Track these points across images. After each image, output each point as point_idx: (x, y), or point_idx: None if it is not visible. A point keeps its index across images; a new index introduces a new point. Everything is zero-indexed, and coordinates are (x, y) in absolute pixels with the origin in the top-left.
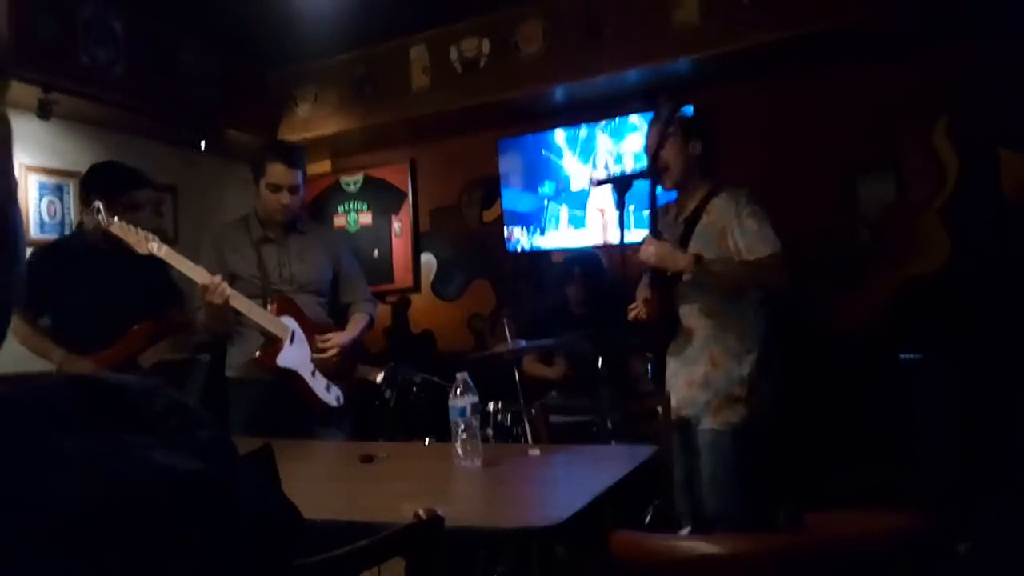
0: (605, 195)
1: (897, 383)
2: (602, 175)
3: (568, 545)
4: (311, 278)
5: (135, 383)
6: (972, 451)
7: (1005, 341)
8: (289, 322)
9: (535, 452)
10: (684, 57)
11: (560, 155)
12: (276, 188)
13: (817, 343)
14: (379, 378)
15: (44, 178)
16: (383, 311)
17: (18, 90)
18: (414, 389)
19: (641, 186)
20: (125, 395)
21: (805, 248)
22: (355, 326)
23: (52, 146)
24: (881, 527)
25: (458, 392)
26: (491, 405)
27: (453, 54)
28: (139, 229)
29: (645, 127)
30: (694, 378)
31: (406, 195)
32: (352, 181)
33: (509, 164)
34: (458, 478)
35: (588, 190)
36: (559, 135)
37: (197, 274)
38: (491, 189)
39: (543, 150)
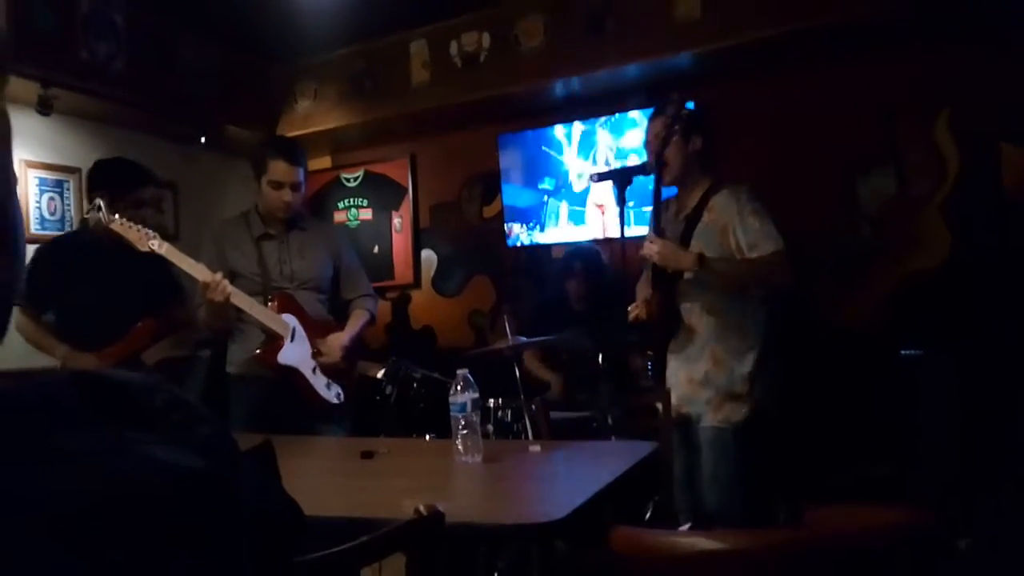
0: (605, 191)
1: (898, 379)
2: (602, 170)
3: (568, 541)
4: (312, 275)
5: (136, 379)
6: (973, 446)
7: (1006, 336)
8: (290, 319)
9: (535, 448)
10: (685, 52)
11: (560, 151)
12: (278, 185)
13: (818, 339)
14: (380, 374)
15: (44, 174)
16: (383, 307)
17: (17, 85)
18: (415, 385)
19: (641, 182)
20: (126, 391)
21: (806, 244)
22: (355, 323)
23: (52, 142)
24: (882, 523)
25: (458, 388)
26: (491, 401)
27: (453, 49)
28: (140, 227)
29: (645, 122)
30: (695, 376)
31: (406, 191)
32: (352, 177)
33: (509, 160)
34: (458, 474)
35: (587, 189)
36: (559, 131)
37: (198, 271)
38: (491, 185)
39: (543, 146)
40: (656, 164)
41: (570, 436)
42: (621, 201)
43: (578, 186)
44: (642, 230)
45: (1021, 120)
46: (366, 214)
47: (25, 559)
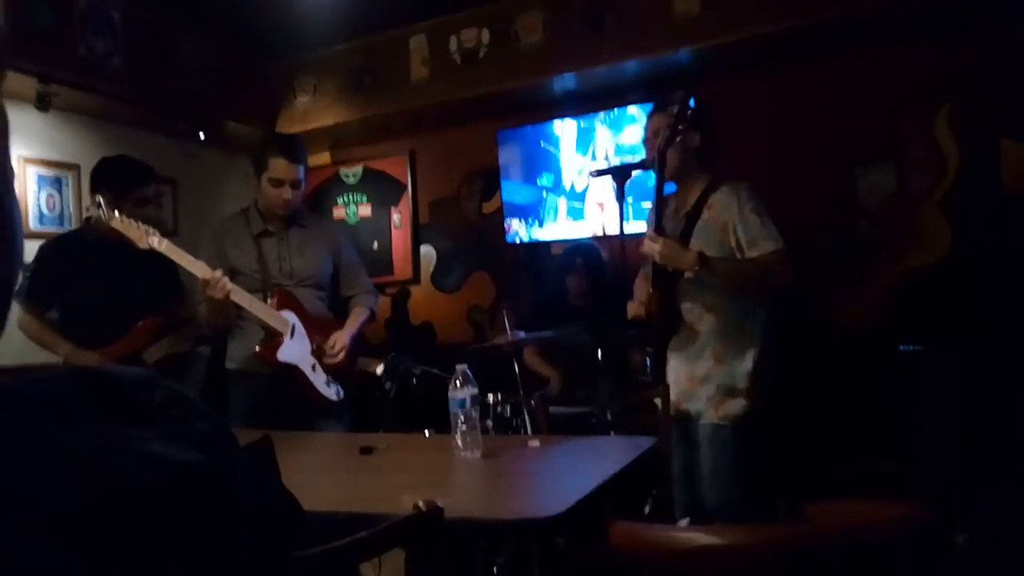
0: (604, 186)
1: (898, 375)
2: (601, 166)
3: (568, 536)
4: (311, 272)
5: (135, 375)
6: (972, 442)
7: (1006, 332)
8: (289, 316)
9: (535, 443)
10: (684, 48)
11: (558, 147)
12: (278, 183)
13: (817, 335)
14: (379, 370)
15: (43, 170)
16: (383, 303)
17: (16, 81)
18: (414, 381)
19: (639, 177)
20: (125, 387)
21: (805, 240)
22: (356, 320)
23: (51, 138)
24: (881, 518)
25: (458, 384)
26: (491, 397)
27: (452, 44)
28: (140, 223)
29: (644, 118)
30: (696, 373)
31: (405, 187)
32: (351, 173)
33: (509, 156)
34: (458, 469)
35: (586, 188)
36: (558, 126)
37: (198, 269)
38: (491, 181)
39: (542, 142)
40: (658, 162)
41: (569, 432)
42: (620, 197)
43: (577, 182)
44: (641, 226)
45: (1021, 116)
46: (365, 210)
47: (24, 556)
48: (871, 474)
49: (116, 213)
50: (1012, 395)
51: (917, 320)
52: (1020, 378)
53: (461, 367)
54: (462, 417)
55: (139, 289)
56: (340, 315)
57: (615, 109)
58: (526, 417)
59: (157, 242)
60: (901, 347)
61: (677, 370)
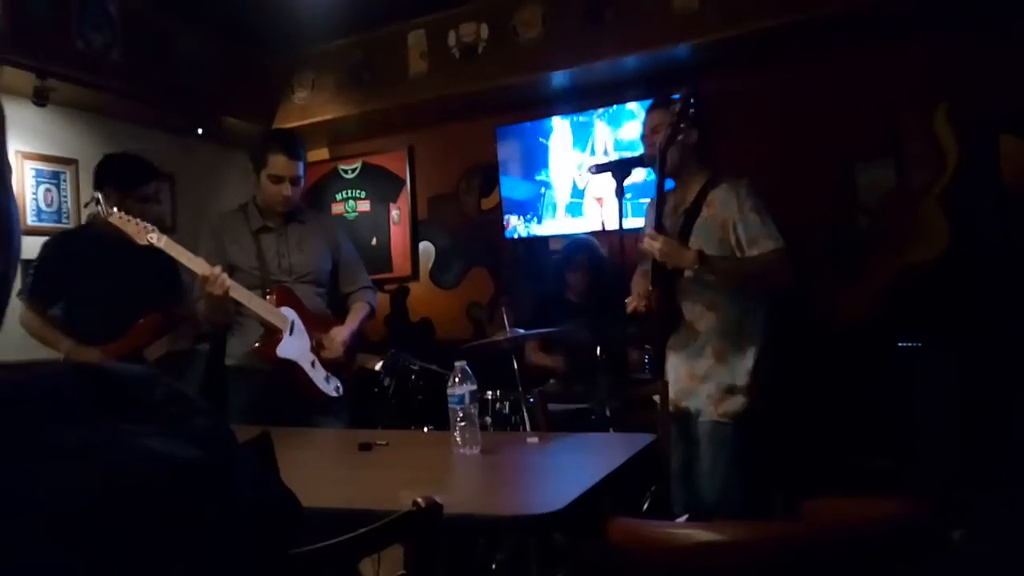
0: (603, 182)
1: (896, 371)
2: (601, 162)
3: (566, 532)
4: (310, 268)
5: (134, 372)
6: (970, 439)
7: (1004, 328)
8: (289, 313)
9: (533, 440)
10: (684, 43)
11: (557, 142)
12: (278, 180)
13: (816, 331)
14: (378, 366)
15: (40, 165)
16: (382, 300)
17: (13, 76)
18: (413, 377)
19: (640, 174)
20: (124, 384)
21: (804, 235)
22: (355, 317)
23: (48, 133)
24: (878, 514)
25: (457, 380)
26: (490, 393)
27: (451, 39)
28: (138, 220)
29: (642, 114)
30: (696, 371)
31: (404, 182)
32: (350, 168)
33: (507, 151)
34: (457, 466)
35: (585, 184)
36: (557, 122)
37: (197, 265)
38: (489, 176)
39: (540, 138)
40: (660, 161)
41: (568, 428)
42: (620, 193)
43: (576, 178)
44: (639, 222)
45: (1020, 112)
46: (364, 206)
47: (23, 555)
48: (869, 471)
49: (115, 210)
50: (1010, 392)
51: (916, 316)
52: (1018, 374)
53: (460, 364)
54: (461, 413)
55: (141, 286)
56: (339, 312)
57: (614, 105)
58: (525, 414)
59: (156, 238)
60: (900, 343)
61: (677, 367)
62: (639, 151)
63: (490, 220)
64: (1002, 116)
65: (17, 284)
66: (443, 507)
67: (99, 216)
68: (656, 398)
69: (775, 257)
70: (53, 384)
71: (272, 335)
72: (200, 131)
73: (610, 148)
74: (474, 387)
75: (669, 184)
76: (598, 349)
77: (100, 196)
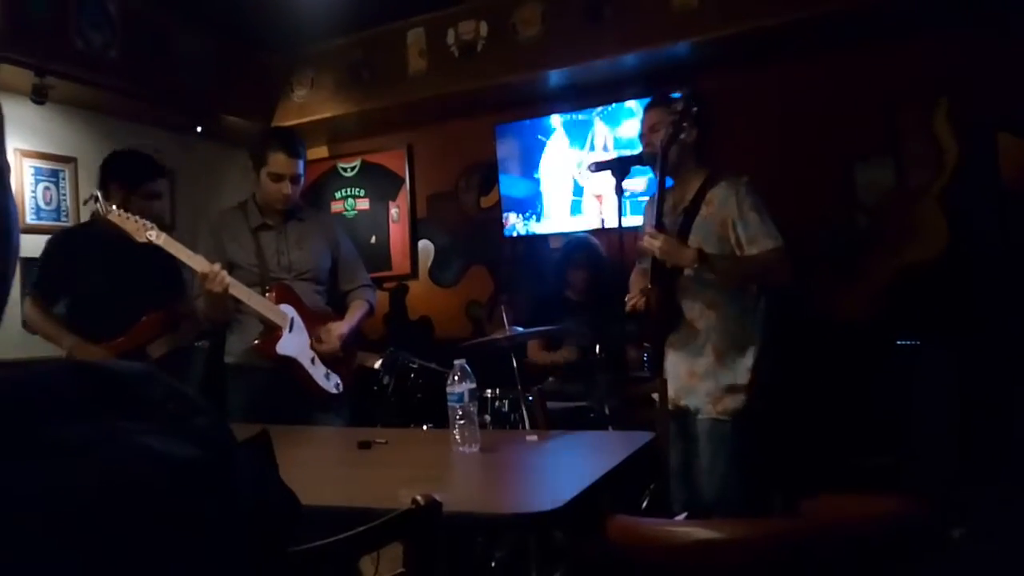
0: (602, 181)
1: (895, 370)
2: (600, 160)
3: (566, 530)
4: (309, 266)
5: (133, 370)
6: (970, 437)
7: (1004, 327)
8: (288, 310)
9: (533, 438)
10: (683, 41)
11: (557, 140)
12: (278, 178)
13: (815, 330)
14: (377, 364)
15: (39, 163)
16: (381, 297)
17: (12, 74)
18: (412, 375)
19: (637, 171)
20: (123, 382)
21: (803, 234)
22: (354, 314)
23: (47, 131)
24: (877, 512)
25: (456, 379)
26: (489, 391)
27: (450, 37)
28: (137, 217)
29: (641, 113)
30: (696, 369)
31: (403, 181)
32: (349, 166)
33: (507, 150)
34: (456, 464)
35: (585, 183)
36: (555, 120)
37: (196, 262)
38: (489, 175)
39: (540, 136)
40: (661, 159)
41: (567, 426)
42: (619, 191)
43: (575, 176)
44: (637, 220)
45: (1020, 110)
46: (363, 204)
47: (22, 553)
48: (868, 469)
49: (113, 207)
50: (1009, 390)
51: (915, 315)
52: (1017, 373)
53: (459, 362)
54: (460, 412)
55: (144, 284)
56: (338, 309)
57: (613, 103)
58: (524, 412)
59: (155, 236)
60: (899, 342)
61: (676, 366)
62: (638, 149)
63: (489, 218)
64: (1001, 115)
65: (17, 282)
66: (442, 505)
67: (97, 213)
68: (655, 396)
69: (774, 256)
70: (52, 382)
71: (272, 332)
72: (199, 129)
73: (610, 145)
74: (473, 385)
75: (668, 182)
76: (597, 347)
77: (99, 194)
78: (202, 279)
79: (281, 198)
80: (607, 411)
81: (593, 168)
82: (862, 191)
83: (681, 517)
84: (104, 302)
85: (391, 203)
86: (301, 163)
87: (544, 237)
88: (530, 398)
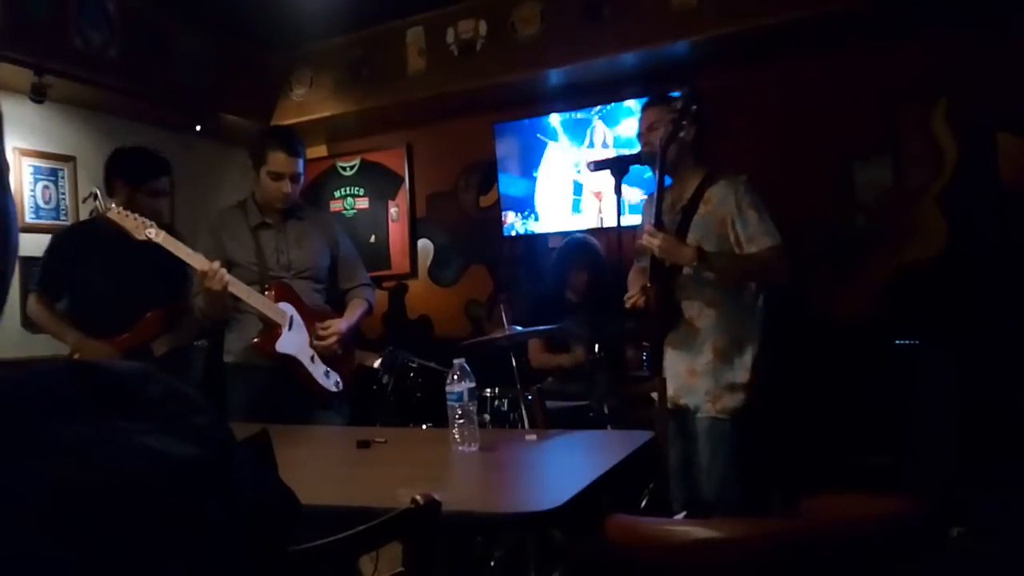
0: (601, 179)
1: (894, 369)
2: (599, 159)
3: (564, 529)
4: (309, 264)
5: (132, 369)
6: (969, 436)
7: (1002, 326)
8: (287, 308)
9: (532, 437)
10: (682, 40)
11: (556, 139)
12: (278, 176)
13: (813, 329)
14: (377, 364)
15: (38, 162)
16: (380, 297)
17: (11, 73)
18: (411, 375)
19: (635, 170)
20: (122, 381)
21: (802, 234)
22: (353, 312)
23: (46, 130)
24: (876, 512)
25: (455, 378)
26: (488, 391)
27: (449, 36)
28: (136, 216)
29: (639, 112)
30: (696, 367)
31: (403, 180)
32: (348, 165)
33: (506, 148)
34: (455, 463)
35: (582, 185)
36: (554, 119)
37: (195, 260)
38: (488, 174)
39: (539, 134)
40: (660, 157)
41: (566, 425)
42: (618, 190)
43: (574, 175)
44: (636, 219)
45: (1019, 110)
46: (363, 203)
47: (22, 552)
48: (866, 468)
49: (112, 205)
50: (1008, 389)
51: (913, 314)
52: (1016, 372)
53: (458, 361)
54: (459, 411)
55: (149, 280)
56: (337, 308)
57: (613, 103)
58: (523, 411)
59: (154, 234)
60: (897, 342)
61: (676, 364)
62: (637, 148)
63: (489, 217)
64: (1001, 114)
65: (17, 281)
66: (441, 504)
67: (96, 210)
68: (654, 395)
69: (773, 254)
70: (51, 381)
71: (271, 330)
72: (198, 128)
73: (609, 143)
74: (472, 385)
75: (667, 181)
76: (596, 347)
77: (99, 191)
78: (201, 277)
79: (281, 197)
80: (606, 410)
81: (592, 167)
82: (861, 190)
83: (680, 516)
84: (108, 299)
85: (390, 202)
86: (301, 162)
87: (543, 236)
88: (529, 397)
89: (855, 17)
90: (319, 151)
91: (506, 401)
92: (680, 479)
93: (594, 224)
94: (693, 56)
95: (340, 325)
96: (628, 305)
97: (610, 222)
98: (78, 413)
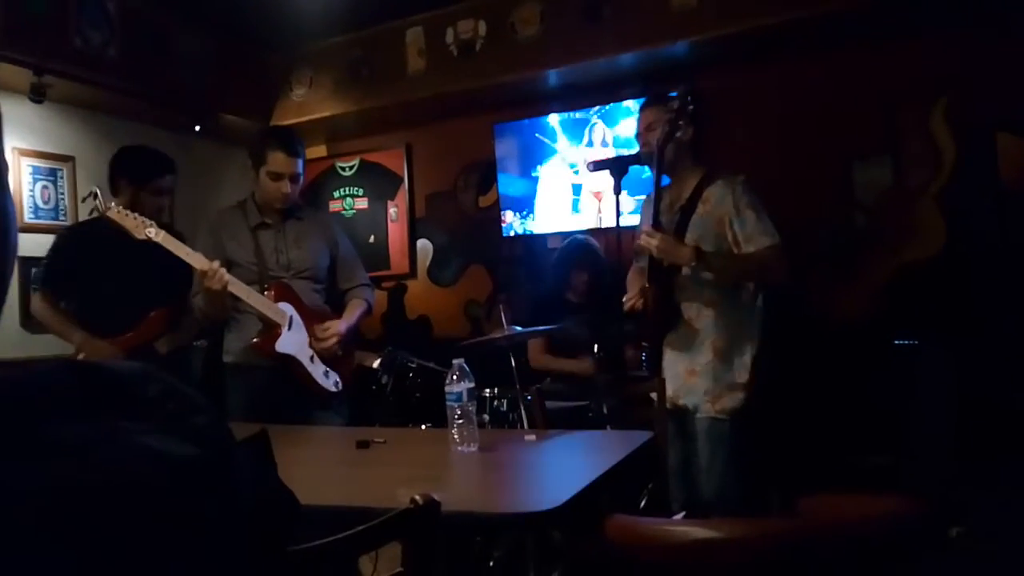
0: (600, 179)
1: (893, 369)
2: (598, 159)
3: (564, 530)
4: (308, 264)
5: (131, 369)
6: (968, 436)
7: (1001, 326)
8: (287, 308)
9: (531, 438)
10: (682, 40)
11: (555, 139)
12: (277, 177)
13: (812, 329)
14: (376, 364)
15: (37, 162)
16: (379, 297)
17: (10, 72)
18: (410, 375)
19: (635, 170)
20: (121, 381)
21: (802, 233)
22: (352, 312)
23: (45, 130)
24: (875, 512)
25: (454, 378)
26: (487, 391)
27: (449, 37)
28: (136, 215)
29: (638, 112)
30: (695, 367)
31: (402, 180)
32: (348, 165)
33: (505, 148)
34: (454, 463)
35: (581, 185)
36: (553, 119)
37: (195, 260)
38: (487, 174)
39: (538, 134)
40: (657, 159)
41: (566, 426)
42: (617, 191)
43: (573, 175)
44: (635, 219)
45: (1018, 110)
46: (362, 203)
47: (22, 552)
48: (866, 468)
49: (112, 204)
50: (1007, 389)
51: (913, 314)
52: (1015, 372)
53: (458, 361)
54: (459, 411)
55: (153, 280)
56: (336, 308)
57: (612, 103)
58: (522, 411)
59: (154, 233)
60: (896, 341)
61: (675, 365)
62: (636, 148)
63: (488, 217)
64: (1000, 114)
65: (16, 281)
66: (441, 505)
67: (96, 208)
68: (653, 395)
69: (771, 253)
70: (50, 381)
71: (271, 330)
72: (198, 128)
73: (609, 143)
74: (472, 385)
75: (665, 181)
76: (596, 347)
77: (98, 191)
78: (201, 276)
79: (280, 197)
80: (605, 411)
81: (591, 167)
82: (861, 190)
83: (679, 516)
84: (112, 298)
85: (389, 202)
86: (300, 162)
87: (542, 237)
88: (528, 397)
89: (855, 17)
90: (318, 151)
91: (505, 401)
92: (679, 479)
93: (593, 224)
94: (693, 56)
95: (339, 326)
96: (626, 308)
97: (609, 222)
98: (78, 413)
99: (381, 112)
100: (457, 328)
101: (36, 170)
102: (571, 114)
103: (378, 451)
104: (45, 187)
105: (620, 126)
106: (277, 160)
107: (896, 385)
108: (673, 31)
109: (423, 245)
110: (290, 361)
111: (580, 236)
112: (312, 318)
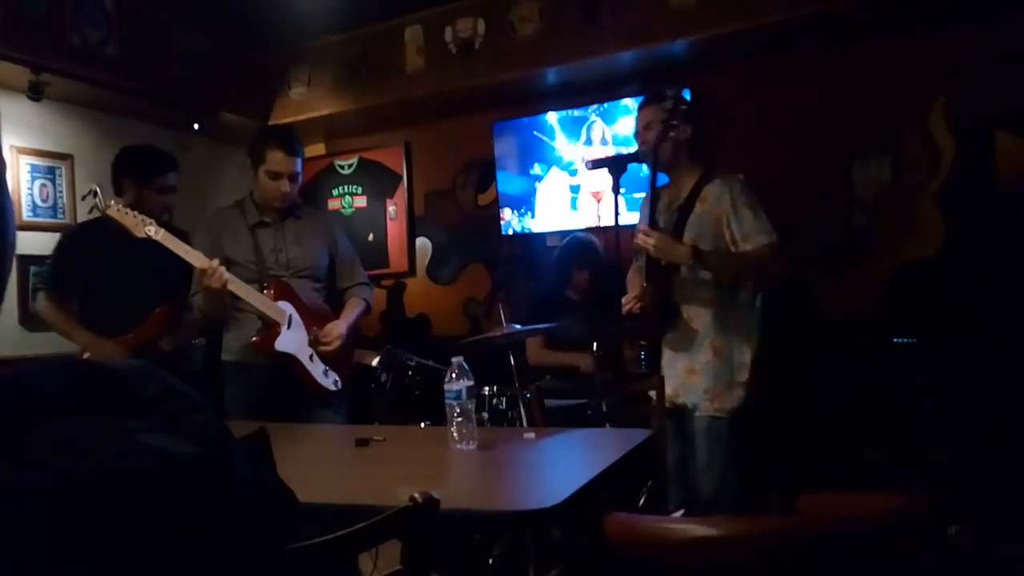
0: (599, 178)
1: (892, 368)
2: (597, 157)
3: (563, 527)
4: (307, 263)
5: (131, 367)
6: (967, 434)
7: (1000, 325)
8: (286, 307)
9: (530, 436)
10: (681, 39)
11: (553, 138)
12: (276, 176)
13: (812, 327)
14: (375, 362)
15: (36, 160)
16: (378, 295)
17: (8, 70)
18: (410, 373)
19: (634, 169)
20: (121, 380)
21: (800, 232)
22: (351, 311)
23: (43, 128)
24: (874, 509)
25: (453, 376)
26: (486, 389)
27: (448, 35)
28: (136, 213)
29: (636, 110)
30: (694, 366)
31: (401, 178)
32: (347, 164)
33: (504, 147)
34: (453, 462)
35: (580, 183)
36: (552, 117)
37: (195, 258)
38: (486, 172)
39: (537, 132)
40: (653, 157)
41: (564, 424)
42: (616, 189)
43: (571, 174)
44: (634, 217)
45: (1017, 108)
46: (361, 202)
47: (21, 552)
48: (865, 466)
49: (112, 202)
50: (1007, 388)
51: (911, 313)
52: (1014, 371)
53: (457, 359)
54: (458, 409)
55: (156, 278)
56: (335, 307)
57: (611, 101)
58: (521, 409)
59: (154, 231)
60: (895, 340)
61: (674, 363)
62: (634, 147)
63: (487, 216)
64: (999, 113)
65: (15, 281)
66: (440, 502)
67: (95, 207)
68: (652, 394)
69: (769, 252)
70: (50, 380)
71: (270, 329)
72: (196, 126)
73: (608, 141)
74: (471, 383)
75: (661, 179)
76: (595, 345)
77: (97, 189)
78: (200, 275)
79: (279, 196)
80: (604, 409)
81: (590, 165)
82: (859, 189)
83: (678, 514)
84: (117, 297)
85: (388, 200)
86: (299, 161)
87: (541, 235)
88: (527, 395)
89: (853, 16)
90: (317, 149)
91: (504, 399)
92: (678, 477)
93: (592, 223)
94: (692, 55)
95: (340, 328)
96: (624, 311)
97: (608, 220)
98: (77, 412)
99: (380, 110)
100: (456, 326)
101: (35, 168)
102: (570, 112)
103: (377, 449)
104: (44, 185)
105: (619, 124)
106: (276, 159)
107: (895, 383)
108: (672, 29)
109: (422, 243)
110: (289, 360)
111: (581, 234)
112: (311, 317)
